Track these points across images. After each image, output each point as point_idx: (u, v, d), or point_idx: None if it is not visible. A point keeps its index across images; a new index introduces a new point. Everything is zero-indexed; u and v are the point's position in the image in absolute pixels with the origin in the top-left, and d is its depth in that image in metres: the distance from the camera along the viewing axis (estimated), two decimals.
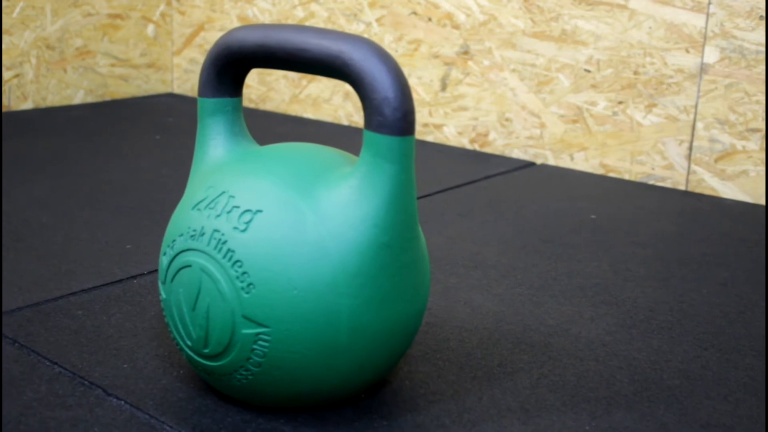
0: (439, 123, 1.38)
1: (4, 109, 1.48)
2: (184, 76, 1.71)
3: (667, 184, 1.19)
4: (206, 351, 0.54)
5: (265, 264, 0.52)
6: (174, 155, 1.25)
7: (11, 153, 1.21)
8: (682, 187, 1.18)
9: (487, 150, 1.34)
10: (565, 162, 1.27)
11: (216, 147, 0.60)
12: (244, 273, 0.52)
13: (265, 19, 1.55)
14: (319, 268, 0.52)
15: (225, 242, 0.52)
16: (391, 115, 0.51)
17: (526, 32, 1.26)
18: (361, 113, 1.46)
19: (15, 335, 0.66)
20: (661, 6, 1.15)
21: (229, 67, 0.58)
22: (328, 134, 1.41)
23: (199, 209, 0.55)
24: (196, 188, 0.57)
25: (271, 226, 0.52)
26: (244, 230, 0.52)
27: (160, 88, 1.72)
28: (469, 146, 1.35)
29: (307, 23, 1.49)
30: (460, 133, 1.36)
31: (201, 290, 0.53)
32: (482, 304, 0.76)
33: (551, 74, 1.25)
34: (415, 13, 1.37)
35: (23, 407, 0.56)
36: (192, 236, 0.54)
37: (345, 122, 1.49)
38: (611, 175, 1.23)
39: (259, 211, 0.53)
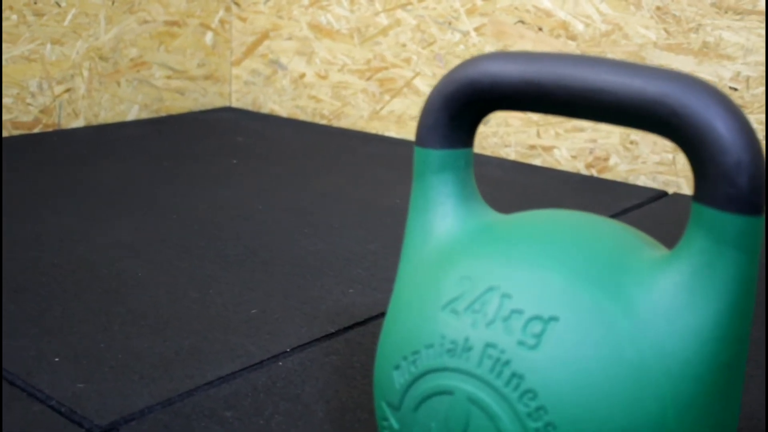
0: (549, 145, 1.22)
1: (54, 128, 1.33)
2: (243, 88, 1.56)
3: None
4: None
5: (569, 395, 0.37)
6: (261, 185, 1.10)
7: (73, 181, 1.06)
8: None
9: (607, 176, 1.19)
10: None
11: (446, 216, 0.45)
12: (538, 408, 0.37)
13: (342, 27, 1.39)
14: (643, 399, 0.37)
15: (507, 363, 0.37)
16: (748, 186, 0.36)
17: (658, 44, 1.11)
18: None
19: None
20: None
21: (470, 108, 0.43)
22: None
23: (454, 311, 0.40)
24: (435, 276, 0.42)
25: (573, 341, 0.37)
26: (534, 346, 0.37)
27: (218, 102, 1.57)
28: (584, 171, 1.20)
29: (391, 32, 1.34)
30: (574, 157, 1.20)
31: (469, 428, 0.38)
32: None
33: None
34: (522, 21, 1.22)
35: None
36: (450, 350, 0.39)
37: None
38: None
39: (553, 318, 0.38)
